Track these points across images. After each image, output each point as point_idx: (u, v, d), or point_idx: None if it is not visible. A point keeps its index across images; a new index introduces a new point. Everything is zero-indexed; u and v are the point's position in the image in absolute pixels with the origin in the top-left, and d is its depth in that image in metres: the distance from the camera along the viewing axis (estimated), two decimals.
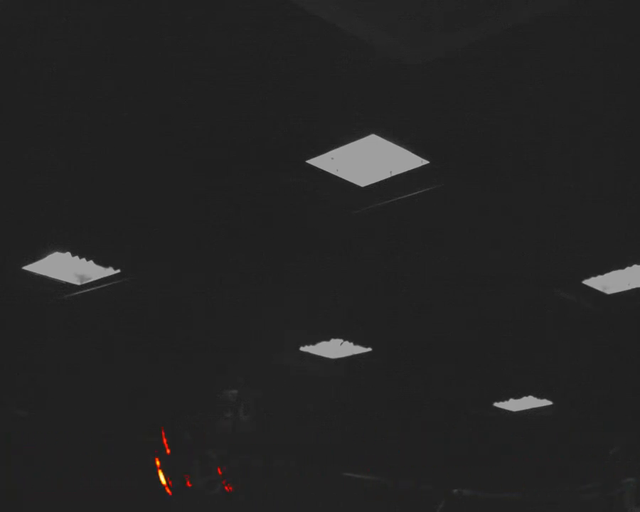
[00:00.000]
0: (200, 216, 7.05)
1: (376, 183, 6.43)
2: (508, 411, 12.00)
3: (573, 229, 7.14)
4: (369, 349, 9.98)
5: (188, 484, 10.52)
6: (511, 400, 11.67)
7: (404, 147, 5.99)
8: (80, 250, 7.52)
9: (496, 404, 11.81)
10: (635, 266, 7.75)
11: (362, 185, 6.46)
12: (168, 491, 10.38)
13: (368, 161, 6.17)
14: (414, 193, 6.48)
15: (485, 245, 7.42)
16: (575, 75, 5.26)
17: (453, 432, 12.08)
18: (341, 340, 9.79)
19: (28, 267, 7.75)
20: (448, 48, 5.04)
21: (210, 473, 10.38)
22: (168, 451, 10.53)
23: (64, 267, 7.80)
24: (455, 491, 12.68)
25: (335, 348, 10.00)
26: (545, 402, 11.69)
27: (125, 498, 10.19)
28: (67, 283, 8.04)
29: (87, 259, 7.64)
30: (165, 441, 10.53)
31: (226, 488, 10.57)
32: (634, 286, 8.12)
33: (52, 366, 9.61)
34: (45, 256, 7.56)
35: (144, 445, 10.43)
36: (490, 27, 4.88)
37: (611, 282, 8.11)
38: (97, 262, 7.70)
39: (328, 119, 5.73)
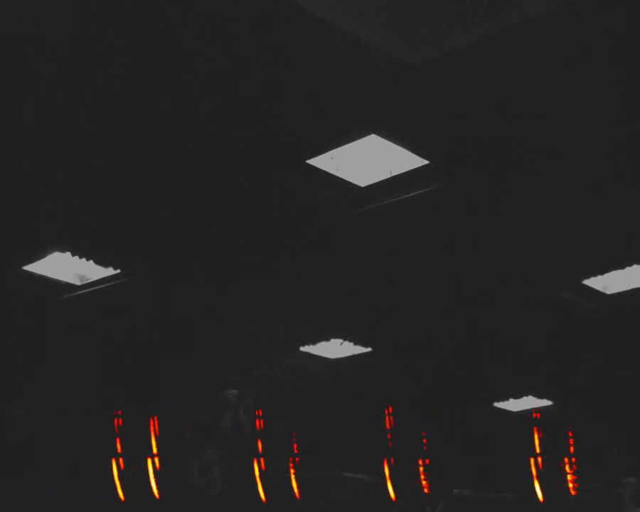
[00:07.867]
0: (200, 216, 7.05)
1: (376, 183, 6.42)
2: (508, 411, 12.01)
3: (573, 229, 7.14)
4: (369, 349, 9.99)
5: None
6: (511, 400, 11.68)
7: (404, 147, 5.99)
8: (80, 250, 7.51)
9: (496, 404, 11.81)
10: (635, 266, 7.75)
11: (362, 185, 6.45)
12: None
13: (368, 161, 6.16)
14: (414, 193, 6.48)
15: (485, 245, 7.42)
16: (575, 75, 5.26)
17: (453, 431, 12.06)
18: (341, 340, 9.79)
19: (28, 267, 7.74)
20: (448, 47, 5.05)
21: (209, 473, 10.37)
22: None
23: (64, 267, 7.79)
24: (455, 491, 12.66)
25: (335, 348, 10.00)
26: (545, 402, 11.69)
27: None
28: (67, 283, 8.03)
29: (87, 259, 7.63)
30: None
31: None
32: (634, 286, 8.12)
33: (52, 366, 9.60)
34: (45, 256, 7.56)
35: (143, 445, 10.42)
36: (490, 27, 4.88)
37: (611, 282, 8.12)
38: (97, 262, 7.69)
39: (328, 119, 5.73)
